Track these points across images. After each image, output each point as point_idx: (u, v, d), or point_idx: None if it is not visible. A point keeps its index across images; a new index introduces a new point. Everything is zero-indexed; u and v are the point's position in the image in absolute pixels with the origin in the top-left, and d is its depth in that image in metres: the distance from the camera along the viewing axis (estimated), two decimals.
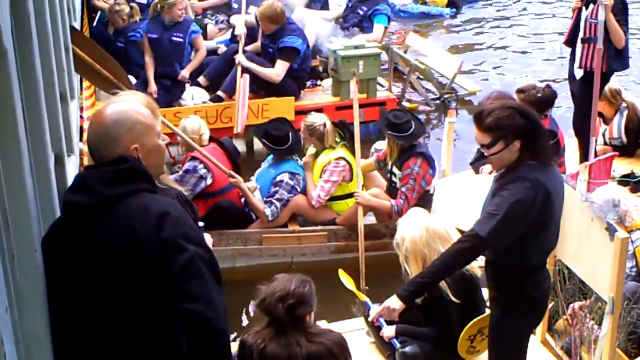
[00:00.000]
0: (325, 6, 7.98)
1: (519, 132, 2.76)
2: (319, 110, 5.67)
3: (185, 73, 6.50)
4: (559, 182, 2.90)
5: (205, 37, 7.47)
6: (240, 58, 6.32)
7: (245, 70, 6.30)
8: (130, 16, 6.94)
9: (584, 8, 5.46)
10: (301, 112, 6.20)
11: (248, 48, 6.70)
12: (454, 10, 10.87)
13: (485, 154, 2.87)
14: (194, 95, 6.47)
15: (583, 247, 3.27)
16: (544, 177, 2.79)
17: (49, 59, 3.08)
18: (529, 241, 2.81)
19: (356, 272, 4.52)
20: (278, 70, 6.36)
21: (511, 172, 2.81)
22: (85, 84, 5.25)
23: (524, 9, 11.07)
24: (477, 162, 5.50)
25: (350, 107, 6.23)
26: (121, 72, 4.69)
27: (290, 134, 4.97)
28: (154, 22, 6.58)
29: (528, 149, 2.78)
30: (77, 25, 5.44)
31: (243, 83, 6.16)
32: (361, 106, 5.26)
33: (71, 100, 4.10)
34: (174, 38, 6.48)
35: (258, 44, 6.73)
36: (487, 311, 3.28)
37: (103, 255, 1.85)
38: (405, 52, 8.14)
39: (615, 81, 5.90)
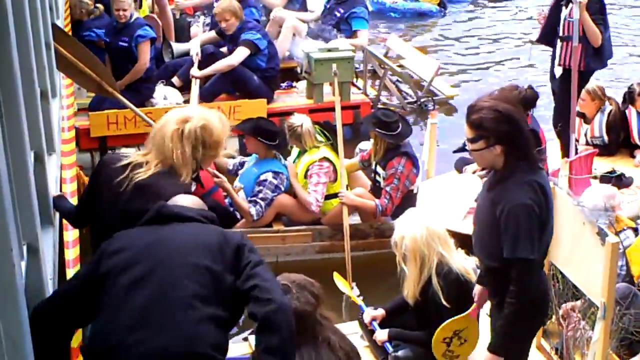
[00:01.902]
0: (303, 7, 7.95)
1: (500, 138, 2.75)
2: (291, 112, 5.62)
3: (120, 82, 5.90)
4: (548, 183, 2.90)
5: (188, 38, 7.41)
6: (193, 72, 6.24)
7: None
8: (89, 14, 6.70)
9: (563, 7, 5.54)
10: (274, 115, 6.15)
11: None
12: (442, 10, 10.89)
13: (467, 148, 2.88)
14: (167, 96, 6.36)
15: (575, 251, 3.26)
16: (537, 177, 2.80)
17: (28, 56, 3.04)
18: None
19: (342, 272, 4.50)
20: (234, 56, 6.27)
21: (505, 180, 2.79)
22: (66, 82, 5.19)
23: (513, 13, 11.10)
24: (460, 158, 5.56)
25: (324, 110, 6.26)
26: (104, 70, 4.65)
27: (279, 132, 4.96)
28: (111, 25, 6.34)
29: (513, 155, 2.77)
30: (60, 23, 5.38)
31: (196, 89, 6.10)
32: (334, 109, 5.26)
33: (52, 98, 4.04)
34: (120, 43, 6.19)
35: (225, 51, 6.65)
36: (465, 313, 3.25)
37: (187, 244, 2.23)
38: (386, 54, 8.12)
39: (594, 80, 5.97)
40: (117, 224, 2.45)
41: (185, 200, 2.43)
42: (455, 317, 3.27)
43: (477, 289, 3.21)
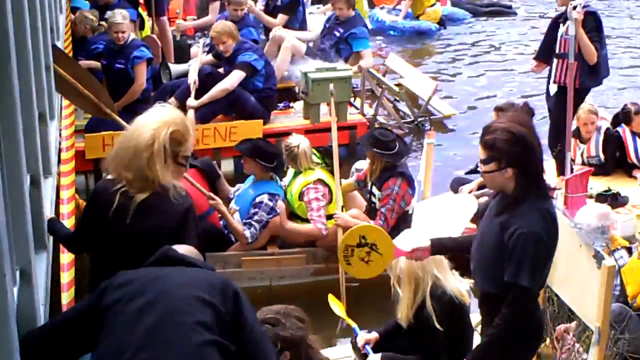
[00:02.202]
0: (303, 27, 8.00)
1: (512, 160, 2.74)
2: (288, 133, 5.63)
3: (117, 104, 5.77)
4: (555, 211, 2.90)
5: (188, 59, 7.42)
6: (190, 102, 6.23)
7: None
8: (94, 30, 6.76)
9: (560, 25, 5.60)
10: (270, 135, 6.14)
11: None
12: (442, 28, 10.97)
13: (479, 169, 2.89)
14: None
15: (570, 274, 3.25)
16: (547, 204, 2.80)
17: (28, 78, 3.06)
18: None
19: (336, 295, 4.48)
20: (229, 80, 6.25)
21: (516, 206, 2.76)
22: (64, 103, 5.21)
23: (513, 32, 11.15)
24: (455, 178, 5.58)
25: (320, 130, 6.22)
26: (102, 91, 4.67)
27: (277, 154, 4.97)
28: (109, 47, 6.33)
29: (524, 179, 2.76)
30: (60, 44, 5.41)
31: (191, 116, 6.11)
32: (330, 130, 5.29)
33: (50, 120, 4.05)
34: (117, 65, 6.19)
35: (222, 71, 6.66)
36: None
37: (187, 280, 2.27)
38: (384, 74, 8.14)
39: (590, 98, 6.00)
40: (129, 248, 2.55)
41: (184, 250, 2.46)
42: (386, 235, 3.12)
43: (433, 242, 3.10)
